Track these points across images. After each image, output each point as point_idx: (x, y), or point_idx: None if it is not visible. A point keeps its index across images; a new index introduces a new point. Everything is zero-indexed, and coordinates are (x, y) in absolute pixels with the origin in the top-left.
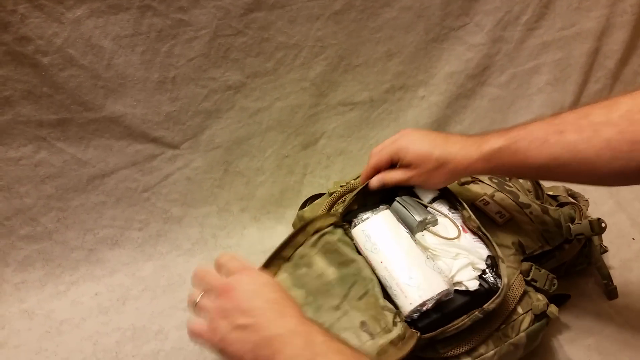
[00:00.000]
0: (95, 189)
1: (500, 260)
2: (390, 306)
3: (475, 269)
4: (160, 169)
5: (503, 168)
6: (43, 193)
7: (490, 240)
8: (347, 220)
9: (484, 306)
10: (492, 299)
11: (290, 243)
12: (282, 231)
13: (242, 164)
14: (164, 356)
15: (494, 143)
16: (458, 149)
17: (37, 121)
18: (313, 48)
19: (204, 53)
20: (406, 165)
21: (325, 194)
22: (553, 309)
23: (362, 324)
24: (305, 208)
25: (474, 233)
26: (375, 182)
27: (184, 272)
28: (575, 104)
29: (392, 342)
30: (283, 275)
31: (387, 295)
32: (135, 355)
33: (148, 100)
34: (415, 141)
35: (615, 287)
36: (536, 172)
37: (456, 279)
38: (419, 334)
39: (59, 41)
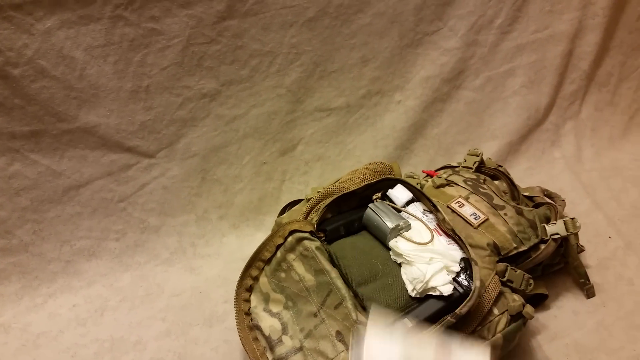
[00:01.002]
0: (71, 200)
1: (473, 262)
2: (364, 319)
3: (449, 272)
4: (136, 178)
5: None
6: (18, 205)
7: (463, 243)
8: (321, 229)
9: (456, 311)
10: (464, 303)
11: (267, 245)
12: (262, 238)
13: (219, 171)
14: None
15: None
16: None
17: (10, 133)
18: (288, 55)
19: (177, 62)
20: None
21: (303, 200)
22: (529, 309)
23: (338, 333)
24: (284, 214)
25: (448, 235)
26: None
27: (162, 281)
28: (551, 105)
29: None
30: (263, 280)
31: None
32: None
33: (122, 110)
34: None
35: (592, 286)
36: None
37: (430, 284)
38: None
39: (30, 52)
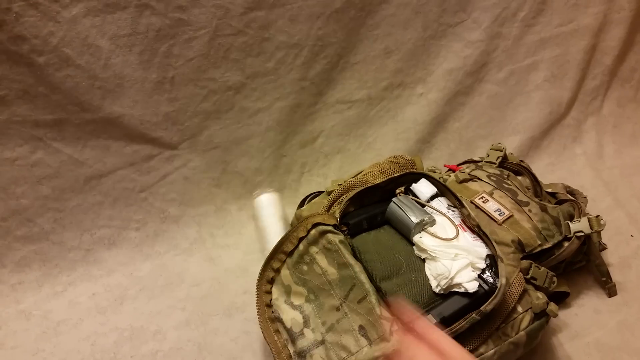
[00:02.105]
0: (93, 189)
1: (499, 259)
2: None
3: (474, 269)
4: (157, 169)
5: None
6: (40, 194)
7: (489, 239)
8: (344, 222)
9: (481, 308)
10: (490, 300)
11: (290, 237)
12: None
13: (240, 163)
14: (162, 356)
15: None
16: None
17: (33, 121)
18: (314, 47)
19: (203, 53)
20: None
21: (323, 192)
22: (553, 307)
23: (361, 328)
24: (304, 207)
25: (473, 231)
26: None
27: (181, 271)
28: (573, 100)
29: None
30: (285, 272)
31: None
32: (133, 355)
33: (146, 101)
34: None
35: (614, 285)
36: None
37: (455, 280)
38: None
39: (55, 40)
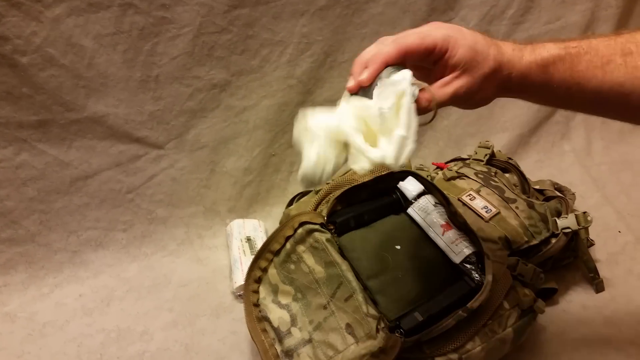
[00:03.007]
0: (79, 191)
1: (486, 256)
2: (374, 312)
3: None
4: (144, 169)
5: (558, 82)
6: (25, 196)
7: (476, 236)
8: (331, 221)
9: (468, 305)
10: (476, 297)
11: (277, 236)
12: (269, 229)
13: (229, 163)
14: (149, 357)
15: (550, 49)
16: (511, 49)
17: (17, 122)
18: (299, 45)
19: (187, 51)
20: (452, 67)
21: (311, 191)
22: (540, 303)
23: (348, 326)
24: (292, 206)
25: (459, 229)
26: (424, 102)
27: (169, 272)
28: None
29: (374, 355)
30: (272, 271)
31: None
32: (120, 356)
33: (131, 100)
34: (464, 33)
35: (602, 281)
36: (592, 97)
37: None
38: (402, 339)
39: (38, 40)
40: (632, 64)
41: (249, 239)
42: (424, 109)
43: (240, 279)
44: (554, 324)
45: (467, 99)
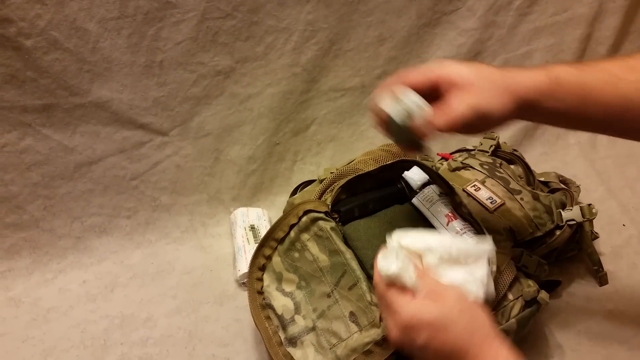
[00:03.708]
0: (83, 177)
1: None
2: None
3: None
4: (149, 156)
5: (570, 98)
6: (29, 181)
7: (481, 227)
8: (335, 210)
9: None
10: None
11: (281, 224)
12: (273, 218)
13: (233, 152)
14: (152, 343)
15: (560, 70)
16: (519, 72)
17: (22, 107)
18: (304, 32)
19: (191, 36)
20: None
21: (316, 180)
22: (544, 295)
23: (352, 314)
24: (296, 195)
25: (464, 219)
26: (444, 125)
27: (172, 259)
28: None
29: (377, 343)
30: (276, 259)
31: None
32: (123, 342)
33: (135, 85)
34: (462, 65)
35: (606, 274)
36: (603, 111)
37: None
38: None
39: (42, 23)
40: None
41: (252, 227)
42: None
43: (243, 267)
44: (557, 316)
45: (489, 110)
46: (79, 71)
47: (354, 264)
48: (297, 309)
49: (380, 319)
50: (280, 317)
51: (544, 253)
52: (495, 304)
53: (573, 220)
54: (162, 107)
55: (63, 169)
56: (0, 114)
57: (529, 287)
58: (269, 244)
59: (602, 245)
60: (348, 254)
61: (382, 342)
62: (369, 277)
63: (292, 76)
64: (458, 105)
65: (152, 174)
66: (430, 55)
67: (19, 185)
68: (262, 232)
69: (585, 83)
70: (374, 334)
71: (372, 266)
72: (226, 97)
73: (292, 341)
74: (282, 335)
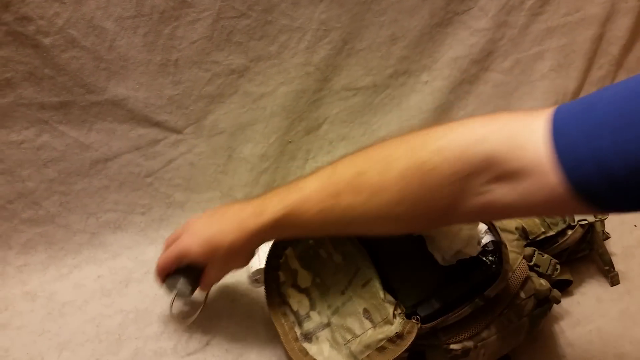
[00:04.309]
0: (98, 173)
1: (503, 245)
2: (391, 298)
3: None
4: (163, 153)
5: (288, 233)
6: (45, 177)
7: (493, 226)
8: None
9: (485, 293)
10: (493, 285)
11: None
12: None
13: (246, 150)
14: (166, 338)
15: (273, 212)
16: (234, 227)
17: (39, 104)
18: (317, 31)
19: (206, 35)
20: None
21: None
22: (556, 293)
23: (365, 311)
24: None
25: None
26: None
27: None
28: (579, 90)
29: (391, 340)
30: (291, 256)
31: (387, 289)
32: (138, 337)
33: (150, 83)
34: (198, 239)
35: (617, 274)
36: (322, 232)
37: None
38: (419, 325)
39: (61, 21)
40: (341, 205)
41: None
42: None
43: (256, 263)
44: (568, 316)
45: (224, 274)
46: (96, 69)
47: (367, 262)
48: (312, 305)
49: (394, 316)
50: (295, 313)
51: (555, 253)
52: (508, 303)
53: (585, 219)
54: (177, 105)
55: (79, 165)
56: (18, 111)
57: (541, 286)
58: (284, 241)
59: (614, 246)
60: (362, 253)
61: (396, 338)
62: (381, 276)
63: (305, 75)
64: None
65: (166, 171)
66: (441, 55)
67: (36, 181)
68: None
69: (293, 219)
70: (387, 330)
71: (385, 265)
72: (240, 95)
73: (308, 337)
74: (297, 331)
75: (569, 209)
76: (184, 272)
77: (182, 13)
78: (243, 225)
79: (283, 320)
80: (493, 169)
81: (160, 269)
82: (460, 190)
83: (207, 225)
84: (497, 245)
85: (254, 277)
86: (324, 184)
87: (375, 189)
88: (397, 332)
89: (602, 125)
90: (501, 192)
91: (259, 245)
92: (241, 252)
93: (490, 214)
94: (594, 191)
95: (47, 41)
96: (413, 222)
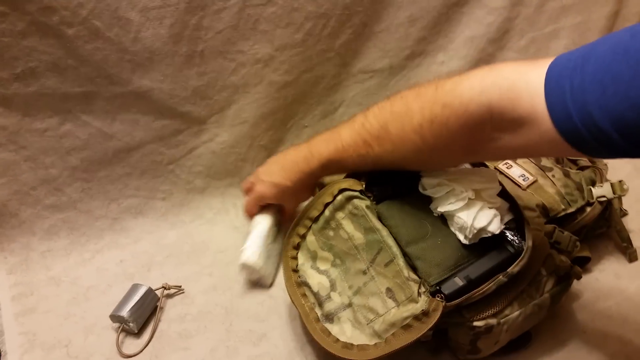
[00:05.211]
0: (121, 162)
1: (526, 222)
2: (415, 277)
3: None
4: (185, 142)
5: (334, 171)
6: (68, 164)
7: (515, 203)
8: (369, 189)
9: (508, 270)
10: (516, 262)
11: (315, 203)
12: None
13: (266, 137)
14: (190, 319)
15: (319, 158)
16: (293, 171)
17: (63, 94)
18: (341, 16)
19: (232, 24)
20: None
21: None
22: (577, 269)
23: (388, 290)
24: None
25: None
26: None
27: (207, 239)
28: None
29: (417, 318)
30: (310, 238)
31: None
32: (162, 319)
33: (176, 75)
34: (268, 184)
35: (635, 250)
36: (363, 169)
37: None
38: (444, 304)
39: (84, 12)
40: (373, 153)
41: None
42: None
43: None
44: (587, 292)
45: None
46: (120, 61)
47: (390, 241)
48: (332, 286)
49: (419, 294)
50: (316, 295)
51: (574, 230)
52: (530, 279)
53: (604, 196)
54: (201, 96)
55: (102, 154)
56: (41, 100)
57: (562, 262)
58: (303, 222)
59: (631, 223)
60: (384, 232)
61: (422, 316)
62: (405, 255)
63: (326, 61)
64: None
65: (188, 159)
66: (458, 35)
67: (59, 168)
68: None
69: (338, 161)
70: (412, 308)
71: (406, 243)
72: (264, 85)
73: (329, 317)
74: (318, 312)
75: (570, 152)
76: (266, 210)
77: (208, 2)
78: (298, 168)
79: (303, 301)
80: (495, 119)
81: (247, 212)
82: (472, 139)
83: (272, 172)
84: (519, 223)
85: (252, 278)
86: (359, 133)
87: (397, 142)
88: (423, 310)
89: (590, 79)
90: (507, 139)
91: (317, 180)
92: (303, 189)
93: (505, 156)
94: (581, 141)
95: (70, 32)
96: (438, 164)
